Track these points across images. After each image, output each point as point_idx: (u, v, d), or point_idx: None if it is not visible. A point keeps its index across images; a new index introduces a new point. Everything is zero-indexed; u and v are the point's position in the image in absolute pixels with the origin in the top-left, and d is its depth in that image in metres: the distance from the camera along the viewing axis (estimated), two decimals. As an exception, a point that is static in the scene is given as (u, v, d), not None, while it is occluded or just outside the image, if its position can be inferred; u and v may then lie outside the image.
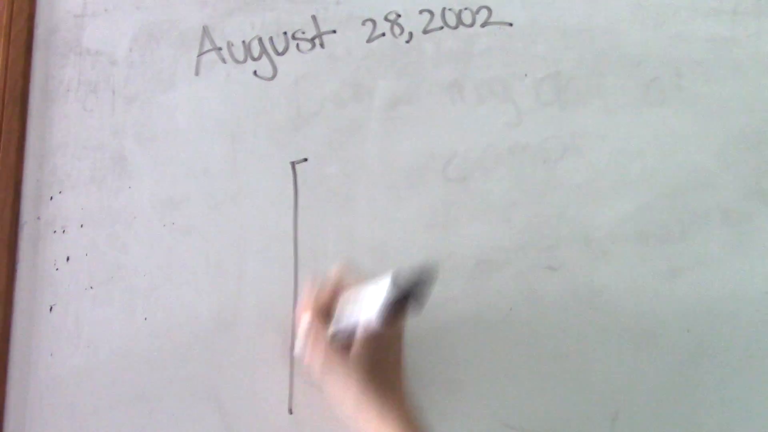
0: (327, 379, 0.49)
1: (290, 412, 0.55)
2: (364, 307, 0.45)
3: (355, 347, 0.47)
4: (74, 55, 0.61)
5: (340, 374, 0.48)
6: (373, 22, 0.63)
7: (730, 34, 0.65)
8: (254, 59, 0.61)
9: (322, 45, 0.62)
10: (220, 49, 0.61)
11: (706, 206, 0.61)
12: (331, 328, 0.49)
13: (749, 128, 0.64)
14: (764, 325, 0.59)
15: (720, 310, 0.59)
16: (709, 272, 0.60)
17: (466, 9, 0.63)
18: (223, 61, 0.61)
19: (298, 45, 0.62)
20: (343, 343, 0.48)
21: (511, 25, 0.64)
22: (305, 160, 0.60)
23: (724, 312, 0.59)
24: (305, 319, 0.49)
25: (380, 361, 0.48)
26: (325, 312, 0.49)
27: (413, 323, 0.52)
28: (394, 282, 0.41)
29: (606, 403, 0.57)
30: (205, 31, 0.62)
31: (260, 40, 0.62)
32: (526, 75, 0.63)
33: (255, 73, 0.61)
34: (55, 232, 0.57)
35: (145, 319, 0.55)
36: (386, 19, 0.63)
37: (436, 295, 0.53)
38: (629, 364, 0.57)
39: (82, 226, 0.57)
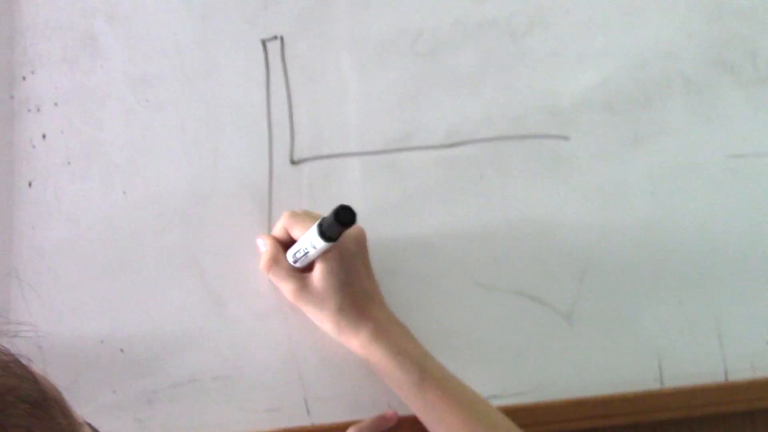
0: (301, 303, 0.55)
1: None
2: (305, 242, 0.52)
3: (318, 267, 0.53)
4: (38, -65, 0.64)
5: (310, 297, 0.54)
6: None
7: None
8: (220, -64, 0.65)
9: None
10: (186, -73, 0.65)
11: (668, 76, 0.67)
12: (289, 257, 0.55)
13: (711, 1, 0.68)
14: (722, 188, 0.65)
15: (682, 173, 0.65)
16: (671, 138, 0.65)
17: None
18: (190, -61, 0.65)
19: (264, -77, 0.65)
20: (305, 269, 0.54)
21: None
22: (276, 37, 0.64)
23: (685, 175, 0.64)
24: (268, 256, 0.56)
25: (349, 275, 0.53)
26: (278, 256, 0.56)
27: (387, 195, 0.58)
28: (322, 222, 0.48)
29: (574, 262, 0.62)
30: None
31: None
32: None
33: (222, -49, 0.64)
34: (29, 110, 0.60)
35: (124, 192, 0.60)
36: None
37: (410, 163, 0.59)
38: (597, 224, 0.63)
39: (56, 104, 0.61)
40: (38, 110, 0.61)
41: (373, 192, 0.62)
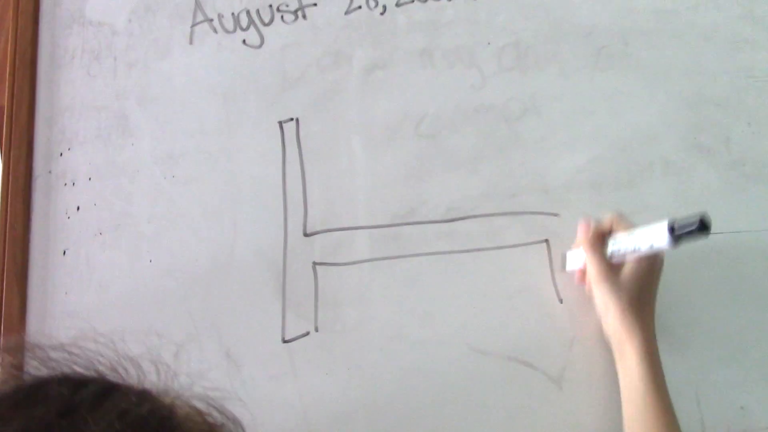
0: (599, 287, 0.63)
1: (284, 340, 0.68)
2: (640, 237, 0.59)
3: (630, 265, 0.62)
4: (78, 25, 0.74)
5: (612, 285, 0.62)
6: None
7: (671, 7, 0.81)
8: (243, 29, 0.75)
9: (304, 16, 0.76)
10: (211, 20, 0.75)
11: (650, 159, 0.76)
12: (609, 249, 0.63)
13: (688, 90, 0.79)
14: (701, 263, 0.74)
15: (662, 248, 0.74)
16: (653, 216, 0.74)
17: None
18: (215, 31, 0.75)
19: (282, 17, 0.76)
20: (616, 263, 0.62)
21: None
22: (291, 119, 0.74)
23: (666, 252, 0.74)
24: (584, 234, 0.65)
25: (646, 282, 0.63)
26: (602, 239, 0.64)
27: (392, 264, 0.68)
28: (673, 224, 0.55)
29: (564, 330, 0.71)
30: (198, 4, 0.76)
31: (248, 12, 0.76)
32: (489, 43, 0.78)
33: (244, 42, 0.75)
34: (65, 184, 0.70)
35: (150, 261, 0.68)
36: None
37: (413, 236, 0.68)
38: (585, 296, 0.72)
39: (90, 179, 0.70)
40: (73, 184, 0.70)
41: (378, 262, 0.70)
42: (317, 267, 0.69)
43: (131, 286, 0.66)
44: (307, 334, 0.67)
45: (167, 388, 0.40)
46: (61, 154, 0.69)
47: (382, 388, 0.67)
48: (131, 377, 0.39)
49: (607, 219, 0.67)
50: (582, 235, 0.67)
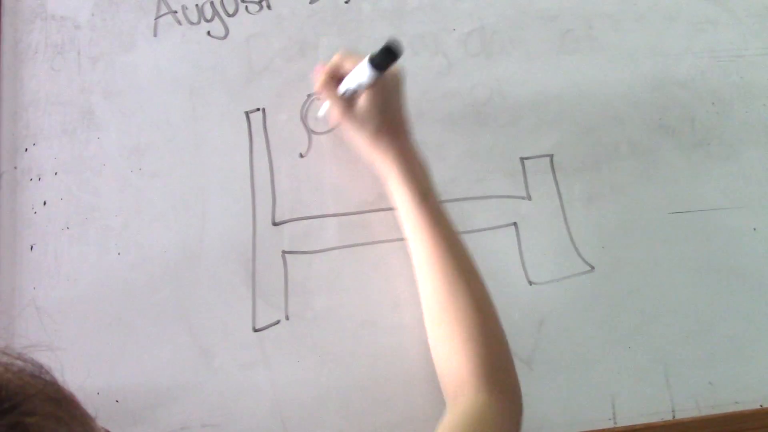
0: (345, 126, 0.68)
1: (254, 329, 0.70)
2: (355, 74, 0.64)
3: (363, 97, 0.65)
4: (40, 20, 0.76)
5: (353, 120, 0.66)
6: None
7: (634, -10, 0.84)
8: (207, 21, 0.77)
9: (269, 7, 0.78)
10: (175, 12, 0.77)
11: (616, 140, 0.79)
12: (341, 89, 0.66)
13: (652, 71, 0.82)
14: (667, 242, 0.77)
15: (629, 229, 0.77)
16: (620, 197, 0.78)
17: None
18: (179, 23, 0.77)
19: (247, 7, 0.78)
20: (352, 97, 0.66)
21: None
22: (258, 110, 0.75)
23: (632, 230, 0.77)
24: (323, 79, 0.67)
25: (385, 108, 0.66)
26: (333, 81, 0.67)
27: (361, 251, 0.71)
28: (372, 56, 0.60)
29: (533, 313, 0.73)
30: (161, -3, 0.77)
31: (212, 3, 0.78)
32: (454, 29, 0.80)
33: (209, 33, 0.77)
34: (31, 179, 0.71)
35: (119, 254, 0.70)
36: None
37: (381, 222, 0.70)
38: (554, 277, 0.74)
39: (56, 173, 0.71)
40: (39, 179, 0.71)
41: (348, 249, 0.72)
42: (287, 255, 0.71)
43: (99, 280, 0.68)
44: (278, 322, 0.69)
45: None
46: (27, 150, 0.70)
47: (353, 373, 0.69)
48: None
49: (334, 59, 0.68)
50: (316, 79, 0.69)
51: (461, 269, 0.63)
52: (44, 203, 0.70)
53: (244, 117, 0.74)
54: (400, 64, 0.62)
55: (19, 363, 0.40)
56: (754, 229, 0.76)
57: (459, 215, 0.73)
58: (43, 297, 0.68)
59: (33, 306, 0.66)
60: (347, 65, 0.65)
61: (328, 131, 0.74)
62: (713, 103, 0.80)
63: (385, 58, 0.60)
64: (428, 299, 0.64)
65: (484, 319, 0.61)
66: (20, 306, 0.68)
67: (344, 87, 0.66)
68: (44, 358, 0.42)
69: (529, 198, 0.75)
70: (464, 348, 0.60)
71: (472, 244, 0.69)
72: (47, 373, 0.41)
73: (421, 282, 0.65)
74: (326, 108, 0.72)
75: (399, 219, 0.67)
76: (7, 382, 0.38)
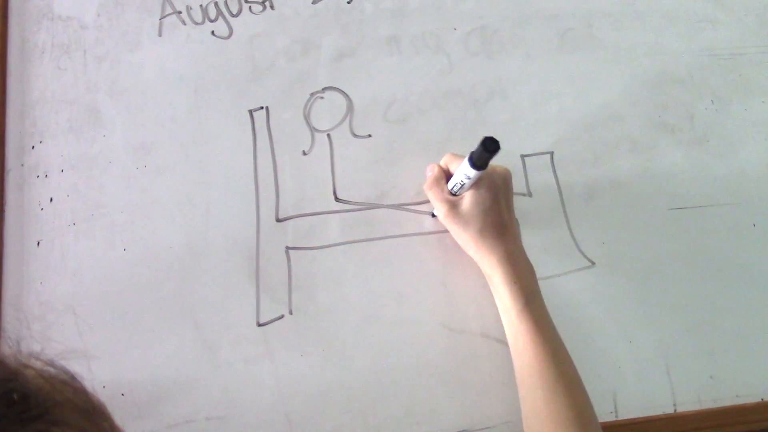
0: (449, 224, 0.69)
1: (258, 324, 0.72)
2: (460, 172, 0.66)
3: (467, 196, 0.66)
4: (47, 20, 0.78)
5: (457, 218, 0.67)
6: None
7: (633, -11, 0.86)
8: (211, 21, 0.80)
9: (272, 7, 0.81)
10: (179, 12, 0.79)
11: (616, 137, 0.81)
12: (449, 186, 0.68)
13: (651, 69, 0.84)
14: (667, 238, 0.78)
15: (630, 225, 0.78)
16: (620, 193, 0.79)
17: None
18: (183, 23, 0.79)
19: (250, 7, 0.80)
20: (457, 197, 0.68)
21: None
22: (261, 108, 0.78)
23: (633, 227, 0.78)
24: (433, 177, 0.70)
25: (490, 207, 0.66)
26: (440, 180, 0.70)
27: (364, 247, 0.73)
28: (471, 154, 0.63)
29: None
30: (166, -3, 0.79)
31: (216, 3, 0.80)
32: (455, 29, 0.82)
33: (213, 33, 0.79)
34: (38, 177, 0.73)
35: (124, 250, 0.72)
36: None
37: (384, 219, 0.72)
38: (556, 272, 0.76)
39: (62, 171, 0.74)
40: (46, 176, 0.73)
41: (351, 245, 0.74)
42: (290, 251, 0.73)
43: (105, 275, 0.70)
44: (282, 317, 0.71)
45: (15, 353, 0.41)
46: (33, 147, 0.72)
47: (357, 367, 0.71)
48: None
49: (443, 161, 0.71)
50: (428, 176, 0.71)
51: (564, 381, 0.61)
52: (51, 200, 0.72)
53: (247, 115, 0.76)
54: (508, 164, 0.69)
55: (51, 370, 0.41)
56: (754, 224, 0.78)
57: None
58: (49, 292, 0.69)
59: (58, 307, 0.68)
60: (454, 164, 0.68)
61: (331, 129, 0.76)
62: (712, 101, 0.82)
63: (481, 155, 0.61)
64: (528, 410, 0.63)
65: None
66: (27, 301, 0.69)
67: (451, 185, 0.68)
68: (76, 365, 0.43)
69: (530, 195, 0.77)
70: None
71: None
72: (78, 381, 0.42)
73: (522, 390, 0.64)
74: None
75: (503, 322, 0.68)
76: (37, 388, 0.38)
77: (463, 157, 0.65)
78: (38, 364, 0.40)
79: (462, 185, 0.66)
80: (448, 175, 0.69)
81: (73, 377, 0.41)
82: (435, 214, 0.74)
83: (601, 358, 0.73)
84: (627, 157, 0.80)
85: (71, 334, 0.69)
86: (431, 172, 0.70)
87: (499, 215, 0.66)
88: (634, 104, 0.82)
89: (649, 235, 0.78)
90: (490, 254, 0.66)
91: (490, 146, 0.59)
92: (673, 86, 0.83)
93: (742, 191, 0.80)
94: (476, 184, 0.66)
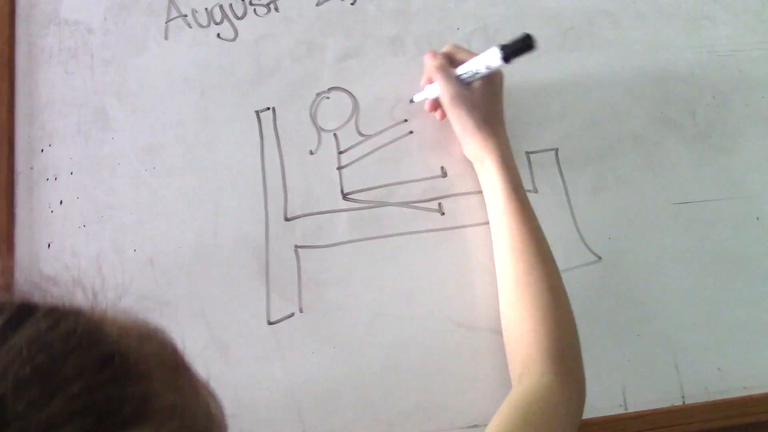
0: (455, 109, 0.72)
1: (269, 322, 0.73)
2: (478, 61, 0.70)
3: (477, 85, 0.71)
4: (54, 25, 0.80)
5: (467, 104, 0.71)
6: None
7: (633, -12, 0.88)
8: (217, 23, 0.82)
9: (276, 9, 0.83)
10: (185, 15, 0.81)
11: (619, 133, 0.83)
12: (457, 71, 0.72)
13: (653, 66, 0.87)
14: (672, 232, 0.81)
15: (635, 219, 0.80)
16: (625, 189, 0.82)
17: None
18: (189, 26, 0.81)
19: (255, 10, 0.83)
20: (466, 81, 0.72)
21: None
22: (268, 109, 0.80)
23: (638, 221, 0.81)
24: (431, 62, 0.74)
25: (494, 100, 0.73)
26: (448, 66, 0.73)
27: (372, 245, 0.74)
28: (504, 47, 0.67)
29: (542, 302, 0.77)
30: (171, 1, 0.82)
31: (221, 6, 0.82)
32: (458, 29, 0.85)
33: (218, 35, 0.81)
34: (47, 179, 0.75)
35: (135, 251, 0.74)
36: None
37: (391, 216, 0.74)
38: (562, 267, 0.78)
39: (71, 173, 0.75)
40: (56, 179, 0.75)
41: (359, 243, 0.76)
42: (299, 250, 0.75)
43: (116, 276, 0.71)
44: (292, 315, 0.73)
45: (97, 304, 0.39)
46: (42, 150, 0.74)
47: (367, 364, 0.72)
48: (60, 296, 0.38)
49: (445, 49, 0.75)
50: (430, 62, 0.74)
51: (542, 256, 0.68)
52: (60, 202, 0.73)
53: (254, 116, 0.78)
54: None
55: (132, 322, 0.38)
56: (757, 218, 0.80)
57: (468, 209, 0.77)
58: (60, 293, 0.71)
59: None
60: (460, 55, 0.73)
61: (338, 128, 0.78)
62: (713, 97, 0.85)
63: (519, 49, 0.66)
64: (506, 282, 0.69)
65: (558, 304, 0.66)
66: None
67: (463, 70, 0.72)
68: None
69: (536, 191, 0.79)
70: (537, 329, 0.64)
71: (480, 237, 0.73)
72: (161, 333, 0.40)
73: (501, 265, 0.70)
74: (423, 94, 0.77)
75: (489, 206, 0.74)
76: (127, 346, 0.35)
77: (465, 51, 0.72)
78: (117, 316, 0.38)
79: (475, 74, 0.71)
80: (451, 64, 0.73)
81: (156, 329, 0.40)
82: (416, 100, 0.79)
83: (610, 352, 0.75)
84: (631, 152, 0.82)
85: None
86: (434, 58, 0.73)
87: (501, 107, 0.74)
88: (637, 101, 0.84)
89: (655, 229, 0.80)
90: (490, 139, 0.71)
91: (531, 42, 0.64)
92: (675, 83, 0.85)
93: (745, 185, 0.82)
94: (487, 77, 0.71)
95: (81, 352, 0.32)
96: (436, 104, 0.76)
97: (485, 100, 0.71)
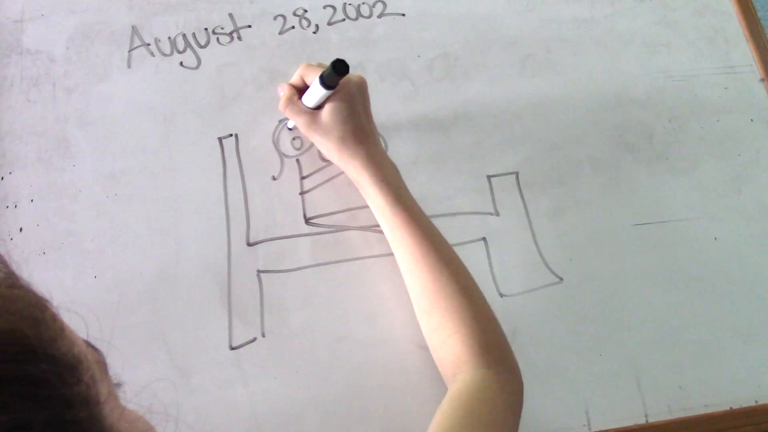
0: (312, 137, 0.74)
1: (231, 347, 0.75)
2: (313, 90, 0.71)
3: (325, 107, 0.72)
4: (15, 54, 0.82)
5: (318, 129, 0.72)
6: (284, 17, 0.87)
7: (589, 15, 0.93)
8: (180, 52, 0.84)
9: (239, 38, 0.86)
10: (148, 44, 0.84)
11: (578, 157, 0.87)
12: (304, 101, 0.73)
13: (611, 91, 0.90)
14: (632, 253, 0.83)
15: (595, 241, 0.83)
16: (585, 210, 0.85)
17: (364, 3, 0.89)
18: (152, 54, 0.84)
19: (218, 39, 0.85)
20: (315, 109, 0.73)
21: (403, 15, 0.89)
22: (231, 135, 0.82)
23: (598, 242, 0.83)
24: (285, 97, 0.74)
25: (349, 115, 0.72)
26: (295, 96, 0.75)
27: (335, 269, 0.75)
28: (322, 75, 0.68)
29: (504, 323, 0.79)
30: (134, 30, 0.84)
31: (184, 35, 0.85)
32: (419, 56, 0.88)
33: (181, 63, 0.84)
34: (7, 207, 0.76)
35: (95, 277, 0.75)
36: (295, 14, 0.87)
37: (354, 241, 0.76)
38: (524, 289, 0.80)
39: (32, 200, 0.77)
40: (15, 206, 0.76)
41: (322, 267, 0.78)
42: (262, 275, 0.76)
43: (76, 302, 0.72)
44: (254, 340, 0.74)
45: None
46: (2, 178, 0.75)
47: (330, 388, 0.74)
48: None
49: (298, 71, 0.75)
50: (281, 96, 0.75)
51: (445, 260, 0.69)
52: (20, 230, 0.75)
53: (217, 142, 0.80)
54: (361, 74, 0.69)
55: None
56: (715, 238, 0.83)
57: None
58: (19, 321, 0.71)
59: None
60: (310, 76, 0.72)
61: (300, 154, 0.81)
62: (670, 120, 0.89)
63: (330, 77, 0.68)
64: (417, 293, 0.70)
65: (473, 302, 0.67)
66: None
67: (306, 99, 0.73)
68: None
69: (497, 214, 0.82)
70: (458, 332, 0.66)
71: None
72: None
73: (408, 278, 0.71)
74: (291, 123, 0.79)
75: (380, 222, 0.73)
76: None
77: (318, 68, 0.71)
78: None
79: (317, 100, 0.71)
80: (305, 87, 0.74)
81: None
82: (290, 127, 0.81)
83: (572, 372, 0.77)
84: (590, 175, 0.85)
85: (42, 361, 0.71)
86: (282, 91, 0.74)
87: (358, 122, 0.72)
88: (595, 125, 0.87)
89: (615, 250, 0.82)
90: (353, 159, 0.72)
91: (340, 68, 0.66)
92: (632, 107, 0.89)
93: (702, 206, 0.85)
94: (332, 95, 0.71)
95: None
96: None
97: (339, 120, 0.71)
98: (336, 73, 0.66)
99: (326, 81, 0.67)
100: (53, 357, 0.34)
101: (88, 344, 0.41)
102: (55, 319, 0.38)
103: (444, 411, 0.63)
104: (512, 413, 0.65)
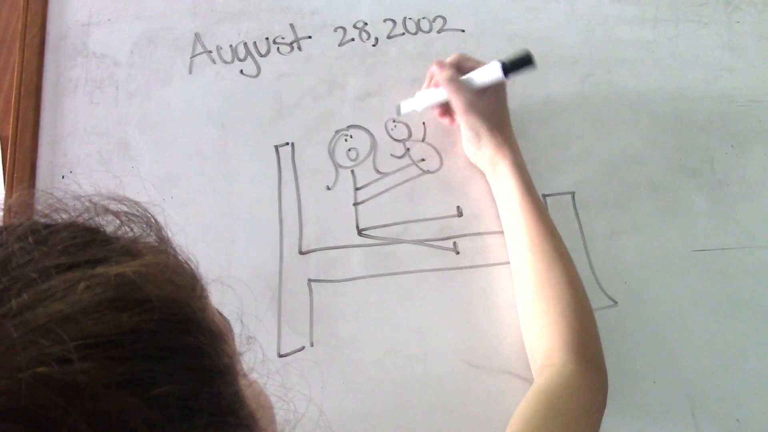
0: (470, 116, 0.76)
1: (279, 355, 0.76)
2: (482, 72, 0.75)
3: (488, 93, 0.76)
4: (81, 57, 0.85)
5: (482, 111, 0.76)
6: (344, 29, 0.89)
7: (652, 37, 0.93)
8: (240, 60, 0.87)
9: (299, 48, 0.88)
10: (210, 51, 0.86)
11: (636, 179, 0.86)
12: (462, 79, 0.75)
13: (672, 115, 0.90)
14: (690, 279, 0.83)
15: (652, 265, 0.83)
16: (642, 234, 0.84)
17: (424, 18, 0.90)
18: (213, 62, 0.86)
19: (278, 48, 0.88)
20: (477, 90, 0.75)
21: (463, 31, 0.91)
22: (287, 144, 0.84)
23: (656, 267, 0.83)
24: (441, 72, 0.76)
25: (502, 106, 0.79)
26: (457, 74, 0.76)
27: (386, 281, 0.76)
28: (504, 64, 0.72)
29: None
30: (197, 37, 0.87)
31: (245, 44, 0.87)
32: (477, 72, 0.89)
33: (241, 71, 0.86)
34: (67, 205, 0.79)
35: (148, 278, 0.77)
36: (355, 26, 0.89)
37: (406, 253, 0.77)
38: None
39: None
40: (75, 205, 0.79)
41: (373, 279, 0.79)
42: (312, 284, 0.77)
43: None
44: (302, 348, 0.75)
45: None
46: (63, 177, 0.78)
47: (377, 401, 0.74)
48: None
49: (452, 58, 0.78)
50: (439, 73, 0.76)
51: (558, 251, 0.73)
52: (78, 228, 0.77)
53: (273, 150, 0.82)
54: None
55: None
56: (777, 268, 0.82)
57: (483, 249, 0.80)
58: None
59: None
60: (466, 63, 0.76)
61: (355, 165, 0.82)
62: (732, 146, 0.88)
63: (518, 64, 0.71)
64: (526, 278, 0.73)
65: (578, 297, 0.71)
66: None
67: (468, 80, 0.75)
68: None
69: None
70: (557, 321, 0.69)
71: (494, 276, 0.76)
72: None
73: (518, 262, 0.75)
74: (411, 104, 0.82)
75: (501, 209, 0.79)
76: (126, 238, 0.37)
77: (472, 60, 0.76)
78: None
79: (478, 85, 0.75)
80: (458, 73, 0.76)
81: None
82: (404, 112, 0.84)
83: (625, 398, 0.76)
84: (648, 198, 0.85)
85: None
86: (443, 68, 0.76)
87: (508, 115, 0.78)
88: (655, 147, 0.87)
89: (672, 275, 0.82)
90: (504, 144, 0.77)
91: (530, 59, 0.71)
92: (693, 131, 0.89)
93: (763, 235, 0.84)
94: (495, 85, 0.74)
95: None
96: (444, 111, 0.81)
97: (496, 108, 0.76)
98: (524, 62, 0.71)
99: (509, 69, 0.71)
100: (207, 328, 0.36)
101: (220, 313, 0.43)
102: (203, 287, 0.41)
103: (527, 403, 0.65)
104: (596, 412, 0.67)
